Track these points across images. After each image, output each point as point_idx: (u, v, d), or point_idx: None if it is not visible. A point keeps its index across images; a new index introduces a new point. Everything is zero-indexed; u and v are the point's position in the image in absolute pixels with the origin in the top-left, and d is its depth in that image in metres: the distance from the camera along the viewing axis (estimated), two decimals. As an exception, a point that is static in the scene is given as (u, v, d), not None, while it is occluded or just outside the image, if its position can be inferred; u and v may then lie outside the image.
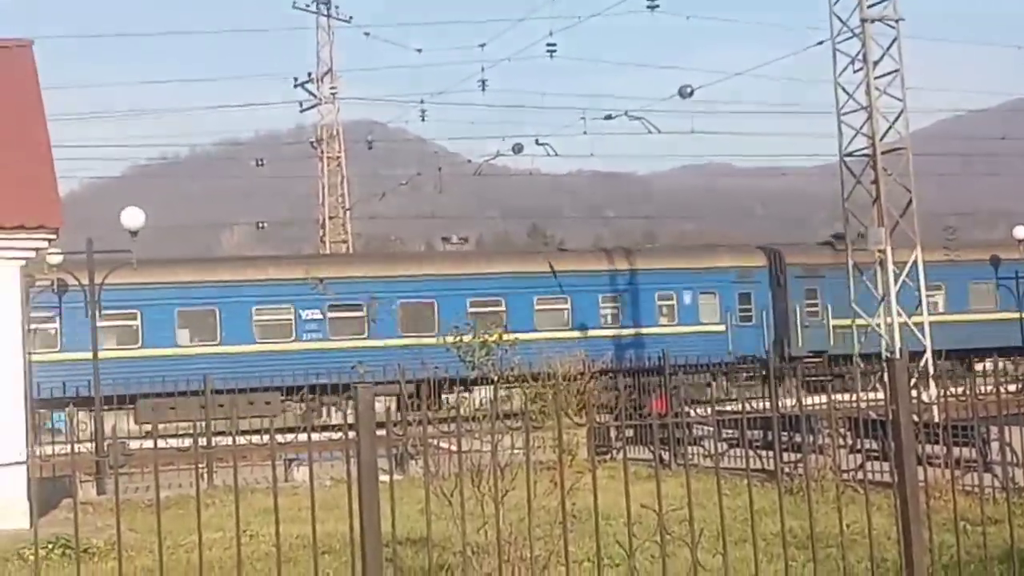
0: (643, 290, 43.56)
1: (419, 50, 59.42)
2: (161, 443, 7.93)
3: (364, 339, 40.25)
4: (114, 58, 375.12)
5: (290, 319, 40.33)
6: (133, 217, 27.94)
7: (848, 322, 39.43)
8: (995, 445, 16.32)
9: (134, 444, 25.18)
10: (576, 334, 41.06)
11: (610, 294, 43.80)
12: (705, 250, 50.25)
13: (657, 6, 40.97)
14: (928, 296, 33.91)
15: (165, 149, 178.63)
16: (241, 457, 8.80)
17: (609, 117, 49.78)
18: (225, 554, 13.59)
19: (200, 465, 20.28)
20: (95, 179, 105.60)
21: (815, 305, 45.26)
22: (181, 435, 28.07)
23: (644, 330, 43.04)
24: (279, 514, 7.77)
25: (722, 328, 43.84)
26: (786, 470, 18.66)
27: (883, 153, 32.29)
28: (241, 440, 23.28)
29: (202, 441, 23.05)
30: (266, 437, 7.90)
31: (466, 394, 25.55)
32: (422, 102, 57.41)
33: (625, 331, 43.16)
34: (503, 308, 41.25)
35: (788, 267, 45.97)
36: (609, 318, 43.76)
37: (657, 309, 44.28)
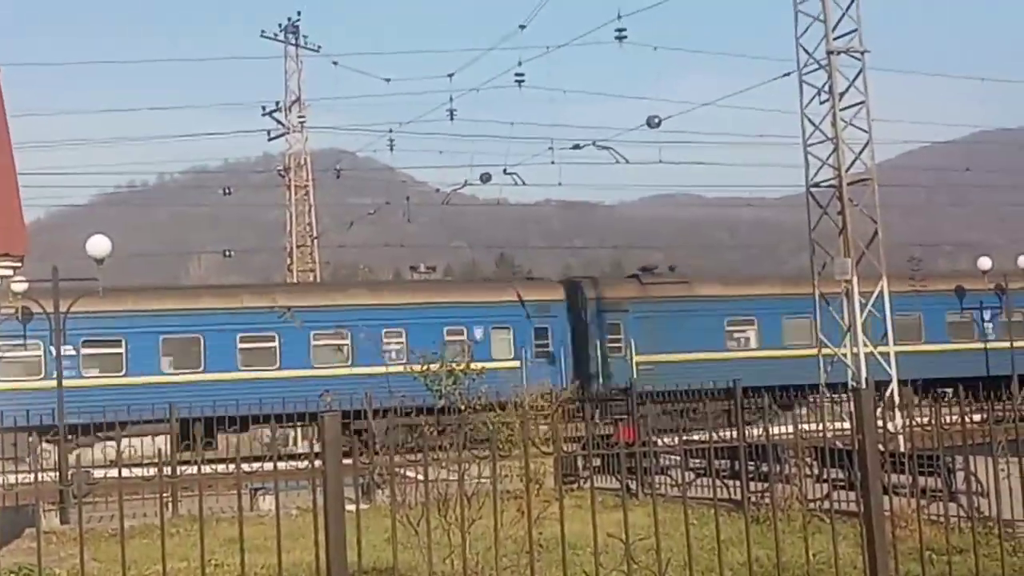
0: (430, 325, 41.60)
1: (387, 79, 59.32)
2: (126, 472, 7.88)
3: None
4: (81, 85, 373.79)
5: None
6: (99, 246, 27.81)
7: (656, 358, 40.79)
8: (960, 475, 16.39)
9: (99, 473, 25.01)
10: (359, 370, 39.84)
11: (395, 328, 41.98)
12: (498, 283, 49.72)
13: (625, 37, 41.03)
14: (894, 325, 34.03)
15: (133, 177, 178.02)
16: (207, 486, 8.74)
17: (577, 147, 49.82)
18: (190, 584, 13.50)
19: (165, 494, 20.16)
20: (62, 207, 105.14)
21: (618, 340, 43.98)
22: (146, 464, 27.77)
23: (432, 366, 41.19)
24: (245, 544, 7.72)
25: (516, 364, 41.26)
26: (753, 499, 18.69)
27: (849, 184, 32.47)
28: (207, 469, 23.10)
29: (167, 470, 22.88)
30: (232, 466, 7.86)
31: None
32: (390, 131, 57.29)
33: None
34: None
35: (588, 301, 44.74)
36: (394, 354, 41.09)
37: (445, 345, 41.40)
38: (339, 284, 43.88)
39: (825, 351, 33.52)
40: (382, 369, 38.83)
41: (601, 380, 42.47)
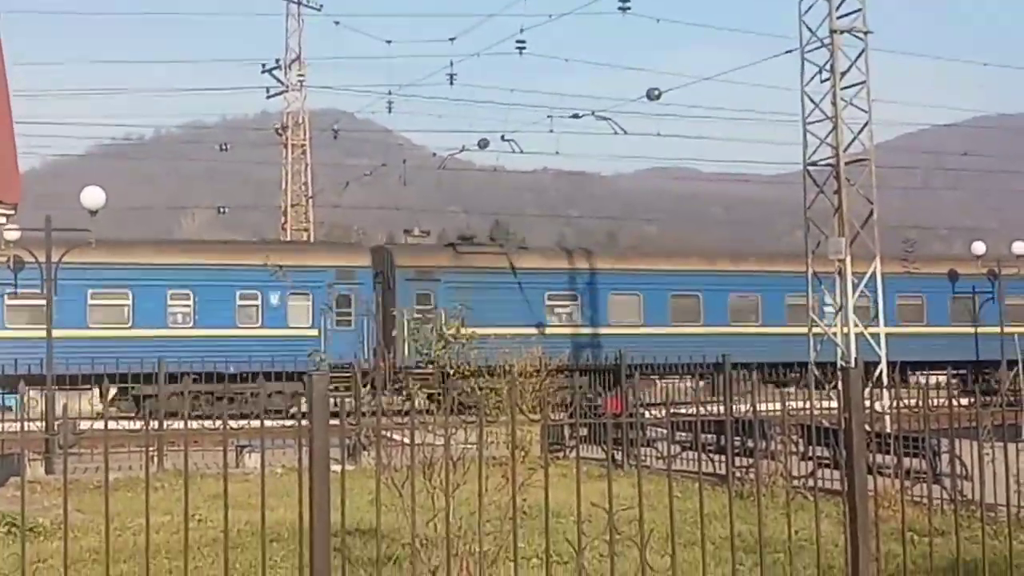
0: (221, 287, 40.43)
1: (389, 41, 59.46)
2: (112, 424, 7.87)
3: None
4: (81, 35, 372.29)
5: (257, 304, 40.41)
6: (93, 197, 27.74)
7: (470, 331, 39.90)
8: (945, 457, 16.45)
9: (85, 424, 25.04)
10: (140, 332, 38.79)
11: (181, 290, 40.60)
12: (299, 247, 48.16)
13: (628, 7, 40.94)
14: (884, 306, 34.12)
15: (129, 130, 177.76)
16: (193, 441, 8.75)
17: (576, 116, 49.81)
18: (173, 538, 13.51)
19: (151, 448, 20.17)
20: (57, 156, 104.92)
21: (430, 311, 40.70)
22: (133, 416, 27.89)
23: (222, 332, 39.58)
24: (229, 500, 7.73)
25: (315, 332, 40.04)
26: (738, 475, 18.74)
27: (847, 164, 32.47)
28: (193, 424, 23.13)
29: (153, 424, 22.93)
30: (219, 422, 7.86)
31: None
32: (389, 93, 57.55)
33: (200, 332, 39.73)
34: None
35: (398, 269, 43.06)
36: (180, 317, 40.61)
37: (237, 310, 40.93)
38: (124, 243, 41.94)
39: (816, 330, 33.59)
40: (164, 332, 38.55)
41: (407, 352, 37.63)
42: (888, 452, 15.35)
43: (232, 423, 7.98)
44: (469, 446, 9.25)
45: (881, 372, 31.46)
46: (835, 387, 9.56)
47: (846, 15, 32.50)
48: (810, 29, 32.89)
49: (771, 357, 34.88)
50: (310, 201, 60.60)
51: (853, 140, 32.68)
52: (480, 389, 10.88)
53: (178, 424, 19.18)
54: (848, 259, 32.40)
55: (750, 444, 18.92)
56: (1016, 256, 43.63)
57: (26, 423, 15.16)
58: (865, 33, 32.42)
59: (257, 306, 41.14)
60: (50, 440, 24.29)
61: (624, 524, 8.54)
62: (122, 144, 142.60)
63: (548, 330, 42.33)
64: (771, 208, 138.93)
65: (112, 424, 7.78)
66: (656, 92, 43.63)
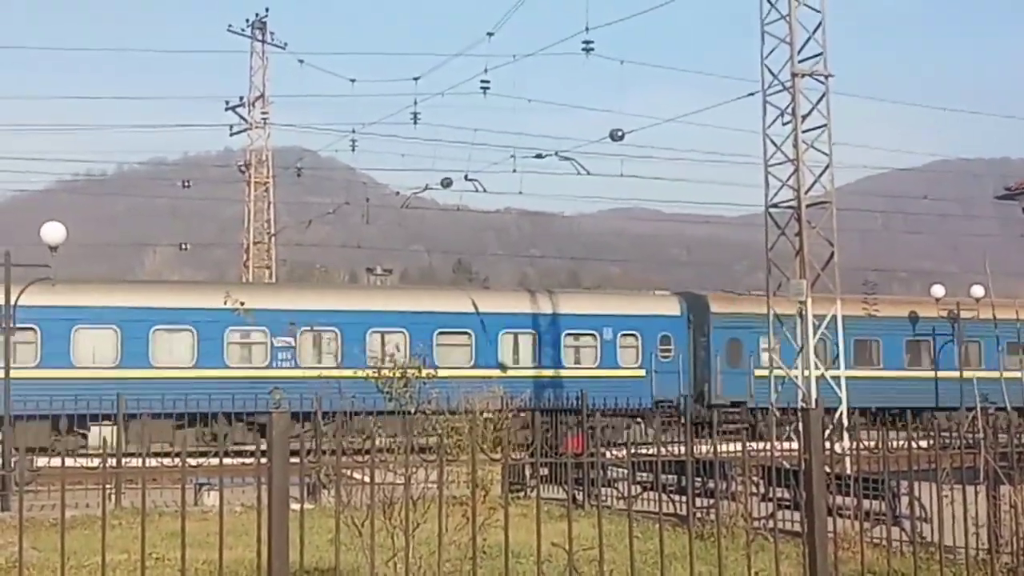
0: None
1: (353, 80, 59.17)
2: (70, 462, 7.81)
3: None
4: (42, 69, 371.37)
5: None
6: (53, 232, 27.58)
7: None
8: (904, 499, 16.50)
9: (41, 461, 24.81)
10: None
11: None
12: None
13: (592, 49, 41.06)
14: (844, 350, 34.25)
15: (91, 165, 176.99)
16: (151, 479, 8.68)
17: (539, 156, 49.80)
18: (129, 577, 13.40)
19: (108, 485, 19.99)
20: (18, 192, 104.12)
21: None
22: (91, 455, 27.66)
23: None
24: (187, 539, 7.67)
25: None
26: (698, 515, 18.74)
27: (808, 206, 32.61)
28: (152, 462, 22.96)
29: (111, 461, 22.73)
30: (177, 460, 7.80)
31: None
32: (353, 132, 57.08)
33: None
34: None
35: None
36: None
37: None
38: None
39: (777, 372, 33.66)
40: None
41: None
42: (848, 494, 15.38)
43: (190, 460, 7.93)
44: (430, 485, 9.23)
45: (841, 415, 31.53)
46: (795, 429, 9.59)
47: (807, 59, 32.73)
48: (772, 72, 33.11)
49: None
50: (273, 239, 60.43)
51: (814, 183, 32.85)
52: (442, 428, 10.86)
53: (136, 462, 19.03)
54: (809, 301, 32.52)
55: (711, 485, 18.96)
56: (975, 299, 43.93)
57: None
58: (826, 77, 32.66)
59: None
60: (5, 477, 24.04)
61: (584, 564, 8.53)
62: (84, 180, 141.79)
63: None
64: (733, 249, 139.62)
65: (69, 461, 7.71)
66: (619, 133, 43.77)
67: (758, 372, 42.18)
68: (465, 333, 42.44)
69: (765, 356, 43.07)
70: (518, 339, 43.23)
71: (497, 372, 39.48)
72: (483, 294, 46.81)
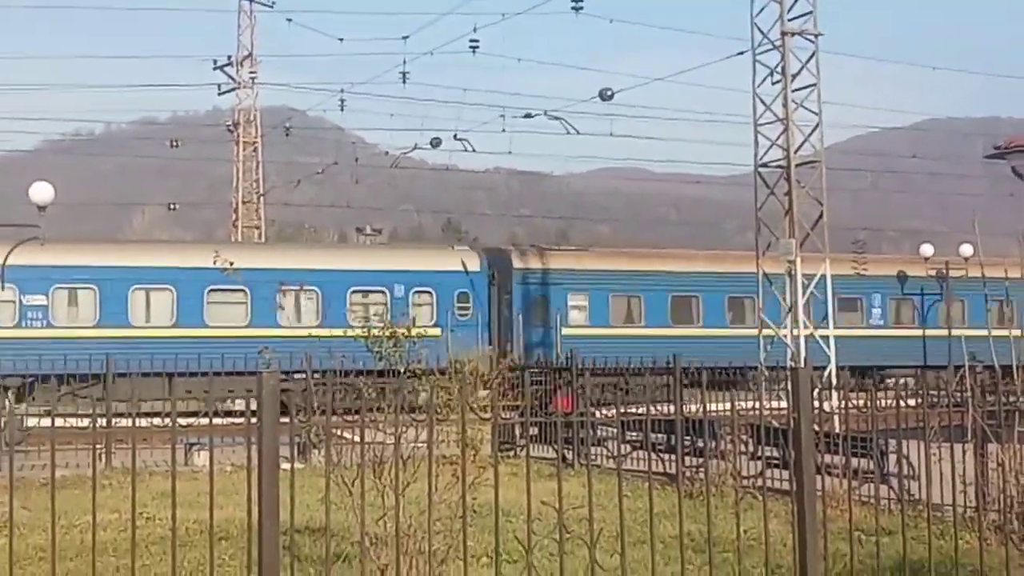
0: None
1: (341, 39, 58.87)
2: (60, 422, 7.82)
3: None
4: (30, 30, 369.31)
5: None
6: (42, 192, 27.55)
7: None
8: (893, 457, 16.58)
9: (32, 421, 24.81)
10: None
11: None
12: None
13: (581, 7, 40.93)
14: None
15: (79, 125, 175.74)
16: (141, 439, 8.69)
17: (529, 116, 49.76)
18: (120, 536, 13.42)
19: (98, 445, 20.00)
20: (6, 152, 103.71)
21: None
22: (80, 415, 27.59)
23: None
24: (177, 498, 7.68)
25: None
26: (687, 474, 18.81)
27: (797, 165, 32.65)
28: (142, 422, 22.94)
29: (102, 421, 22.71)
30: (167, 419, 7.81)
31: None
32: (342, 91, 56.79)
33: None
34: None
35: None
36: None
37: None
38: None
39: (766, 331, 33.75)
40: None
41: None
42: (836, 452, 15.44)
43: (181, 420, 7.94)
44: (419, 445, 9.25)
45: (830, 373, 31.65)
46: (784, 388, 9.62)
47: (797, 17, 32.71)
48: (761, 31, 33.08)
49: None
50: (261, 198, 60.26)
51: (804, 142, 32.90)
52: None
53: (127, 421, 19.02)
54: (798, 260, 32.59)
55: (700, 444, 19.04)
56: (964, 258, 43.97)
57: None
58: (816, 36, 32.64)
59: None
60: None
61: (574, 523, 8.56)
62: (72, 140, 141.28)
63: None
64: (722, 209, 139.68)
65: (59, 421, 7.72)
66: (609, 92, 43.71)
67: (566, 331, 41.55)
68: (241, 291, 39.37)
69: (573, 314, 43.19)
70: (299, 297, 41.35)
71: (276, 332, 38.39)
72: (246, 249, 45.34)
